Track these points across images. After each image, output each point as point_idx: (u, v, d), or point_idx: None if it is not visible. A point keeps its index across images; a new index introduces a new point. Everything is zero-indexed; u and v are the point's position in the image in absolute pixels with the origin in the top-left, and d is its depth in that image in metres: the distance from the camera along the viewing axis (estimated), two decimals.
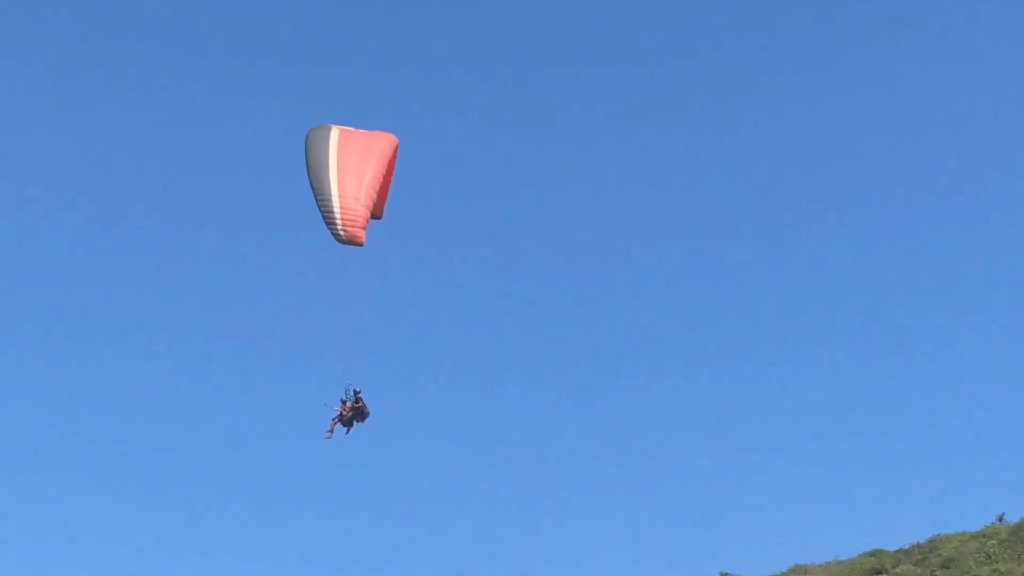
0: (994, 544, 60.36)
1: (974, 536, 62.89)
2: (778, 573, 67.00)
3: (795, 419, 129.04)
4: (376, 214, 27.12)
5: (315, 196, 25.97)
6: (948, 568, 60.55)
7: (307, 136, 27.11)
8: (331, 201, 25.77)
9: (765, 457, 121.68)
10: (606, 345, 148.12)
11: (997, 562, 58.65)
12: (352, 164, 26.38)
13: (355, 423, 28.96)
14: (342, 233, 25.53)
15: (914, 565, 63.12)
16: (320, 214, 25.97)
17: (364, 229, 25.94)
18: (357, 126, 27.33)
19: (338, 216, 25.72)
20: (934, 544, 64.11)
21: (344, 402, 28.90)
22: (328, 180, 25.99)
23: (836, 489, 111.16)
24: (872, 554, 66.04)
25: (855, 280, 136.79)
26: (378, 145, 27.54)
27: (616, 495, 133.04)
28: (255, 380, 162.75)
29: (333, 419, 28.91)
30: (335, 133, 26.69)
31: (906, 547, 65.14)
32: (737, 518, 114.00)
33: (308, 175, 26.62)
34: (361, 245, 25.96)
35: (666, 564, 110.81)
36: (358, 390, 28.94)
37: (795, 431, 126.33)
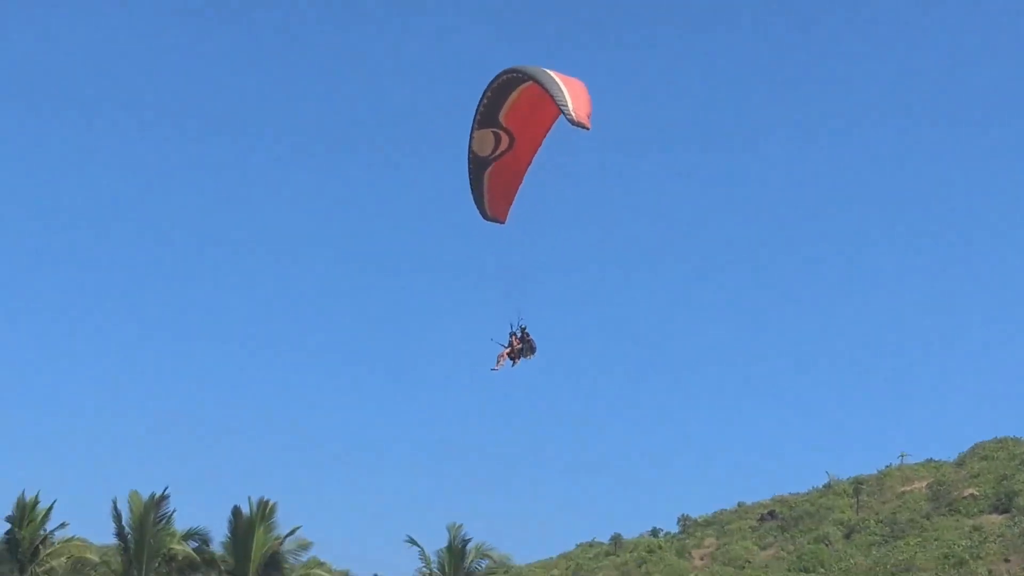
0: None
1: None
2: None
3: None
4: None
5: (545, 88, 27.16)
6: None
7: (508, 70, 28.66)
8: (562, 92, 27.01)
9: None
10: None
11: None
12: (569, 81, 27.88)
13: (523, 357, 30.04)
14: (573, 115, 26.76)
15: None
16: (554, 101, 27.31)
17: (589, 118, 27.25)
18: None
19: (570, 102, 26.92)
20: None
21: (512, 335, 29.93)
22: (553, 79, 27.37)
23: None
24: None
25: None
26: (576, 80, 28.68)
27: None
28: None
29: (500, 354, 29.94)
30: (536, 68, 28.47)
31: None
32: None
33: (529, 79, 27.89)
34: (588, 129, 27.20)
35: None
36: (525, 326, 30.03)
37: None
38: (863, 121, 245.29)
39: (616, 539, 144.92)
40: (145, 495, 63.19)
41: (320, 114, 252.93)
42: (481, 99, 29.04)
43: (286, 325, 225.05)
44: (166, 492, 63.23)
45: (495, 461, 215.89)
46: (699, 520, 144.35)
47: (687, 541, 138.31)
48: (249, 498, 64.19)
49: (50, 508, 66.16)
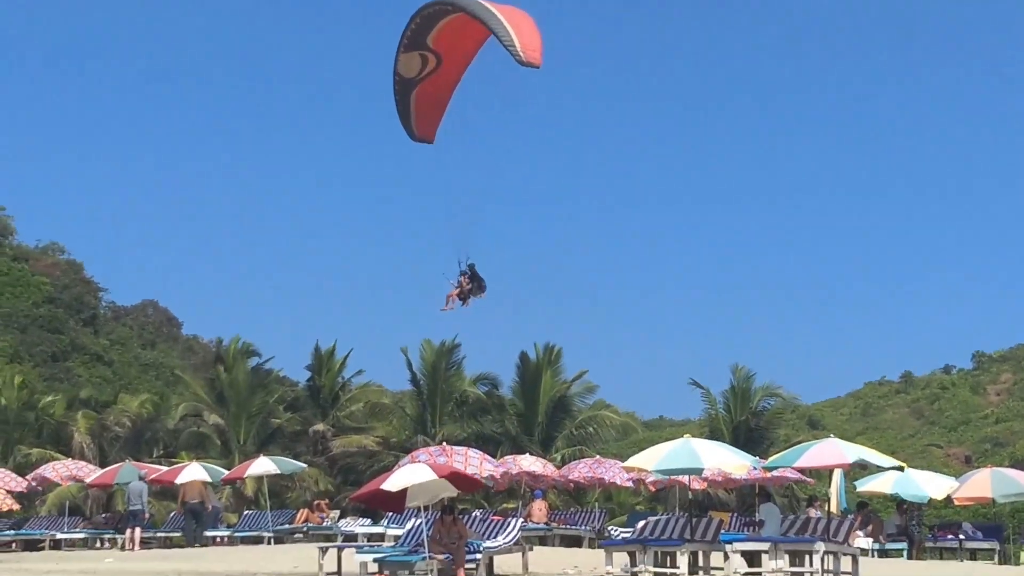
0: None
1: None
2: None
3: None
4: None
5: (487, 25, 25.21)
6: None
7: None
8: (506, 29, 24.99)
9: None
10: None
11: None
12: (509, 11, 25.67)
13: (472, 296, 29.18)
14: (522, 55, 24.84)
15: None
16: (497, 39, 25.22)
17: (540, 53, 25.24)
18: None
19: (517, 40, 25.02)
20: None
21: (463, 275, 29.01)
22: (493, 13, 25.08)
23: None
24: None
25: None
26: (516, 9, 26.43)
27: None
28: None
29: (449, 294, 29.07)
30: None
31: None
32: None
33: (462, 11, 25.91)
34: (539, 67, 25.23)
35: None
36: (473, 263, 28.98)
37: None
38: None
39: (907, 377, 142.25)
40: (436, 343, 65.06)
41: None
42: (408, 24, 27.38)
43: (585, 178, 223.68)
44: (456, 340, 64.83)
45: (781, 299, 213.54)
46: (994, 355, 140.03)
47: (982, 377, 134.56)
48: (535, 344, 65.14)
49: (347, 357, 68.90)
